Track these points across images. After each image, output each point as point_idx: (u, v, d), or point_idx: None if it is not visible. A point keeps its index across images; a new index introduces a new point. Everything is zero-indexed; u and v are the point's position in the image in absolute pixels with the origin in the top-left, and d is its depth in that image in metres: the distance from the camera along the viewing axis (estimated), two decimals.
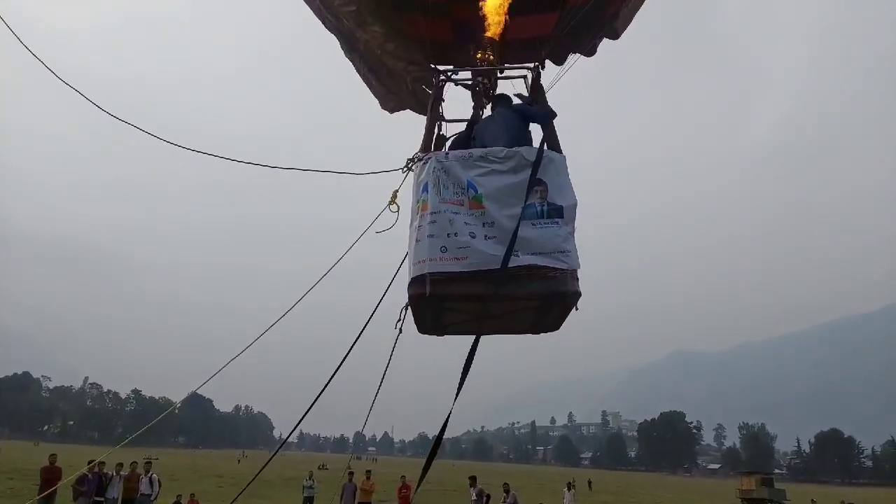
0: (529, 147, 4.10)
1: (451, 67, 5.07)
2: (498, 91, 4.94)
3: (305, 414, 4.80)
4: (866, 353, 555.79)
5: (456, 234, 3.79)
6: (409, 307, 4.14)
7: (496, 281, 3.69)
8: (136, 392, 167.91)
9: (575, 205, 3.95)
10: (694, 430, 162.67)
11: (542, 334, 4.65)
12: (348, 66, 5.55)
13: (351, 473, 20.24)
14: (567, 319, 4.35)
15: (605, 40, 5.26)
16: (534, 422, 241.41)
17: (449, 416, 3.44)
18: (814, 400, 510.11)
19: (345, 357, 4.76)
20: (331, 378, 4.74)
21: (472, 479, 19.22)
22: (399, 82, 5.29)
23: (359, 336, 4.71)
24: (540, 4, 4.78)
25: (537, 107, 4.60)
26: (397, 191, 4.43)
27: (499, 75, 5.01)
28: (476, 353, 3.48)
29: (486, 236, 3.79)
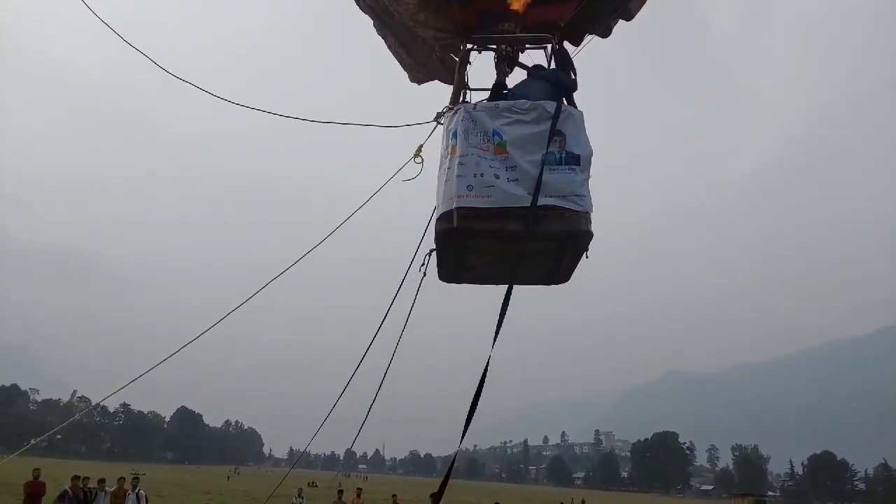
0: (551, 101, 4.43)
1: (477, 36, 5.37)
2: (521, 59, 5.32)
3: (323, 423, 5.00)
4: (859, 376, 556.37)
5: (482, 175, 4.18)
6: (435, 245, 4.53)
7: (519, 218, 4.10)
8: (124, 406, 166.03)
9: (590, 154, 4.33)
10: (687, 451, 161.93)
11: (555, 284, 5.00)
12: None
13: (341, 492, 20.07)
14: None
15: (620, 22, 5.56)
16: (526, 441, 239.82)
17: (475, 407, 3.70)
18: (807, 422, 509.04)
19: (356, 369, 4.83)
20: (343, 390, 4.89)
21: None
22: (429, 53, 5.70)
23: (370, 344, 4.81)
24: (550, 18, 5.11)
25: (569, 77, 4.98)
26: (422, 145, 4.92)
27: (522, 46, 5.34)
28: (508, 306, 3.83)
29: (508, 179, 4.17)
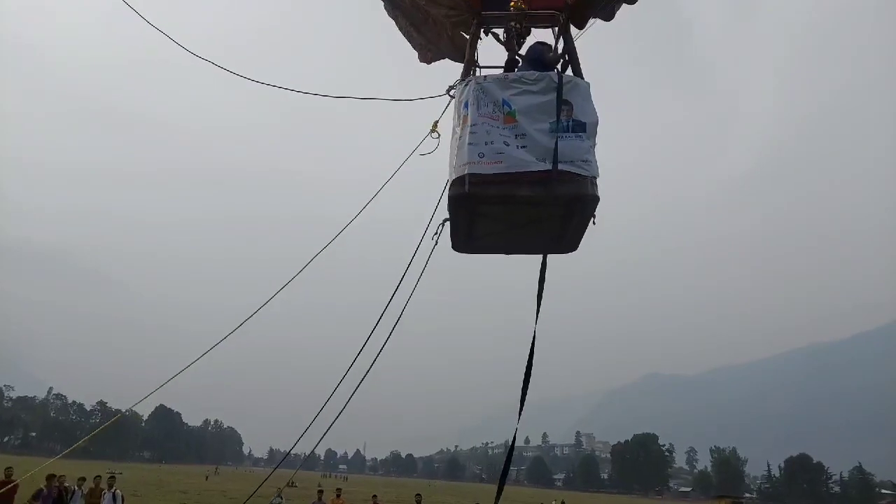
0: (557, 72, 4.73)
1: (487, 12, 5.57)
2: (529, 37, 5.55)
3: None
4: (836, 380, 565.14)
5: (492, 143, 4.39)
6: (448, 212, 4.72)
7: (528, 183, 4.31)
8: (101, 404, 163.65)
9: (596, 122, 4.56)
10: (666, 453, 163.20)
11: (562, 253, 5.20)
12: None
13: (320, 492, 19.92)
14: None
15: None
16: (507, 441, 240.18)
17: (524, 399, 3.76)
18: (785, 425, 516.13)
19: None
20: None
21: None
22: (439, 33, 5.89)
23: (367, 340, 4.77)
24: None
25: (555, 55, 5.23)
26: (437, 121, 5.12)
27: (531, 24, 5.53)
28: (545, 277, 4.09)
29: (518, 146, 4.39)
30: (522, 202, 4.44)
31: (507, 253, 5.39)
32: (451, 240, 5.07)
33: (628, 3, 5.62)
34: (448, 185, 4.58)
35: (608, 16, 5.72)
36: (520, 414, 4.11)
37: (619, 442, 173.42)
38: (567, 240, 5.03)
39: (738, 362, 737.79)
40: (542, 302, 4.07)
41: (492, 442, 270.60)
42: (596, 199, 4.46)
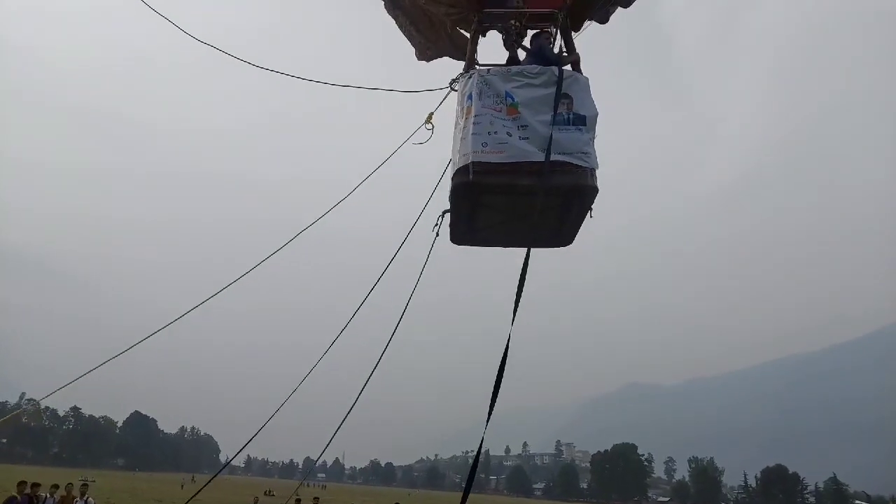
0: (558, 67, 4.82)
1: (488, 10, 5.63)
2: (528, 37, 5.64)
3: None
4: (812, 391, 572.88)
5: (495, 133, 4.49)
6: (450, 201, 4.81)
7: (530, 173, 4.40)
8: (75, 410, 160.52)
9: (595, 115, 4.67)
10: (645, 463, 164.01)
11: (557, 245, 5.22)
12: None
13: (298, 500, 19.76)
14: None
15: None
16: (487, 451, 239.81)
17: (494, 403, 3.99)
18: (762, 435, 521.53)
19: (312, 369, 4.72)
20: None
21: None
22: (438, 31, 6.01)
23: (333, 343, 4.73)
24: None
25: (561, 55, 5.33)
26: (433, 113, 5.24)
27: (530, 23, 5.65)
28: (528, 267, 4.08)
29: (520, 137, 4.49)
30: (523, 192, 4.52)
31: (505, 246, 5.47)
32: (451, 231, 5.13)
33: (623, 7, 5.74)
34: (450, 173, 4.67)
35: (603, 18, 5.86)
36: (490, 411, 4.09)
37: (598, 451, 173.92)
38: (564, 233, 5.15)
39: (717, 373, 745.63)
40: (520, 298, 4.12)
41: (472, 450, 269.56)
42: (595, 191, 4.57)
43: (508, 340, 3.98)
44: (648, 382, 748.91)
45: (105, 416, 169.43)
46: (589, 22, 5.88)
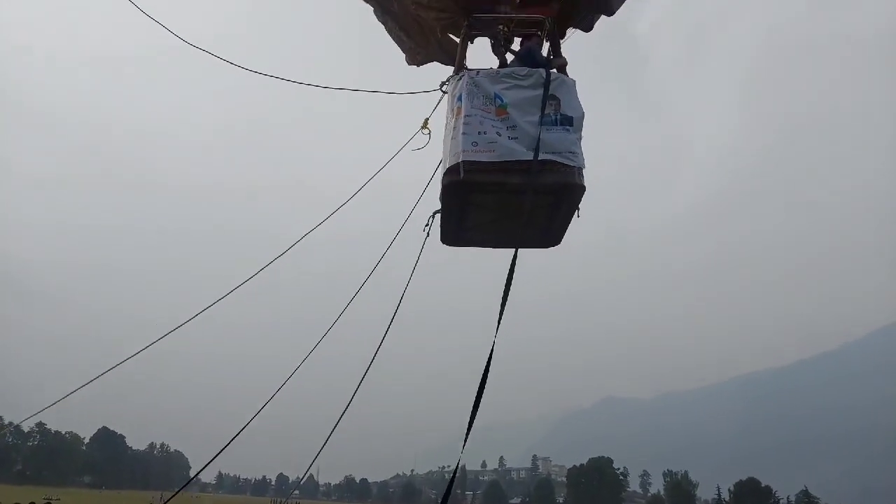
0: (546, 69, 4.96)
1: (477, 15, 5.73)
2: (515, 43, 5.80)
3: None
4: (782, 404, 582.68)
5: (485, 133, 4.61)
6: (440, 200, 4.88)
7: (519, 171, 4.51)
8: (40, 425, 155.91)
9: (582, 116, 4.82)
10: (621, 477, 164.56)
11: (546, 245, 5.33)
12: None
13: None
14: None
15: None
16: (464, 465, 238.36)
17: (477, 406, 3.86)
18: (734, 448, 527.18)
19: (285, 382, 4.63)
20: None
21: None
22: (428, 36, 6.10)
23: (307, 356, 4.64)
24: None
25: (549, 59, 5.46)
26: (428, 118, 5.37)
27: (516, 29, 5.77)
28: (515, 270, 4.16)
29: (509, 136, 4.61)
30: (513, 190, 4.62)
31: (494, 246, 5.57)
32: (441, 231, 5.20)
33: (607, 15, 5.91)
34: (441, 172, 4.74)
35: (587, 27, 6.04)
36: (469, 427, 4.07)
37: (574, 465, 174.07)
38: (552, 232, 5.27)
39: (690, 387, 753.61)
40: (507, 299, 4.19)
41: (448, 466, 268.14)
42: (582, 189, 4.70)
43: (493, 347, 3.98)
44: (624, 397, 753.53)
45: (71, 432, 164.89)
46: (574, 30, 6.04)
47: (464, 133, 4.60)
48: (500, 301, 4.27)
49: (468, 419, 4.09)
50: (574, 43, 6.00)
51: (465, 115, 4.66)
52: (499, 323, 4.21)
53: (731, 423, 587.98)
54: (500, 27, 5.66)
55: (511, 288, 4.24)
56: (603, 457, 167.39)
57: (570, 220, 5.07)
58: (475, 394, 4.04)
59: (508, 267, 4.35)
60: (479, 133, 4.60)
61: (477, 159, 4.54)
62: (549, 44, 5.56)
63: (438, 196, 4.88)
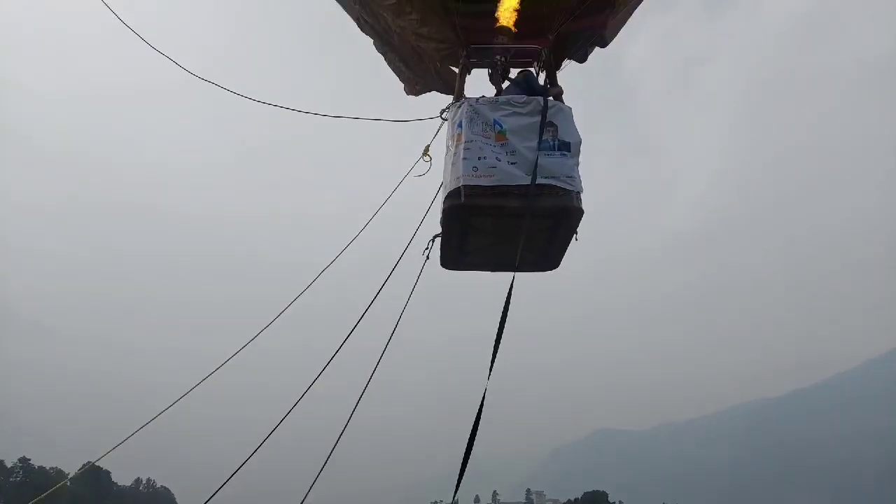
0: (543, 97, 5.13)
1: (475, 47, 5.93)
2: (512, 73, 5.91)
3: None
4: (775, 435, 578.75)
5: (485, 158, 4.74)
6: (441, 224, 4.98)
7: (518, 196, 4.62)
8: (23, 461, 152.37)
9: (579, 142, 4.95)
10: None
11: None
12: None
13: None
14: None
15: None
16: (457, 501, 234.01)
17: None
18: (727, 479, 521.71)
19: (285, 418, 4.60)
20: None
21: None
22: (427, 67, 6.23)
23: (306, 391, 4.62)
24: (538, 31, 5.80)
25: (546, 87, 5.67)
26: (429, 145, 5.47)
27: (512, 59, 5.92)
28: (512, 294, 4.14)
29: (508, 162, 4.75)
30: (512, 213, 4.72)
31: (493, 270, 5.68)
32: (441, 254, 5.29)
33: (600, 47, 6.11)
34: (442, 196, 4.87)
35: (582, 58, 6.25)
36: (464, 464, 4.05)
37: (569, 499, 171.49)
38: (551, 256, 5.38)
39: (685, 417, 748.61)
40: (504, 323, 4.28)
41: (441, 501, 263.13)
42: (580, 212, 4.83)
43: (485, 391, 3.99)
44: (617, 428, 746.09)
45: (55, 468, 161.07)
46: (568, 61, 6.21)
47: (464, 158, 4.73)
48: (498, 326, 4.35)
49: (462, 456, 4.07)
50: (564, 76, 6.14)
51: (466, 141, 4.79)
52: (495, 351, 4.26)
53: (726, 454, 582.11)
54: (498, 57, 5.82)
55: (508, 311, 4.34)
56: (598, 490, 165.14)
57: (568, 244, 5.19)
58: (470, 428, 4.04)
59: (507, 293, 4.46)
60: (480, 158, 4.72)
61: (477, 183, 4.66)
62: (545, 73, 5.79)
63: (439, 220, 5.00)
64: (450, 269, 5.59)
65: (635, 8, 6.10)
